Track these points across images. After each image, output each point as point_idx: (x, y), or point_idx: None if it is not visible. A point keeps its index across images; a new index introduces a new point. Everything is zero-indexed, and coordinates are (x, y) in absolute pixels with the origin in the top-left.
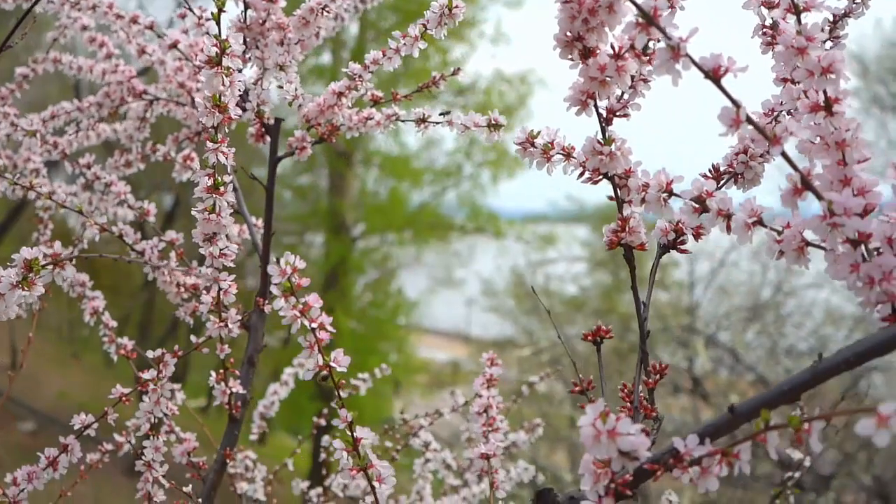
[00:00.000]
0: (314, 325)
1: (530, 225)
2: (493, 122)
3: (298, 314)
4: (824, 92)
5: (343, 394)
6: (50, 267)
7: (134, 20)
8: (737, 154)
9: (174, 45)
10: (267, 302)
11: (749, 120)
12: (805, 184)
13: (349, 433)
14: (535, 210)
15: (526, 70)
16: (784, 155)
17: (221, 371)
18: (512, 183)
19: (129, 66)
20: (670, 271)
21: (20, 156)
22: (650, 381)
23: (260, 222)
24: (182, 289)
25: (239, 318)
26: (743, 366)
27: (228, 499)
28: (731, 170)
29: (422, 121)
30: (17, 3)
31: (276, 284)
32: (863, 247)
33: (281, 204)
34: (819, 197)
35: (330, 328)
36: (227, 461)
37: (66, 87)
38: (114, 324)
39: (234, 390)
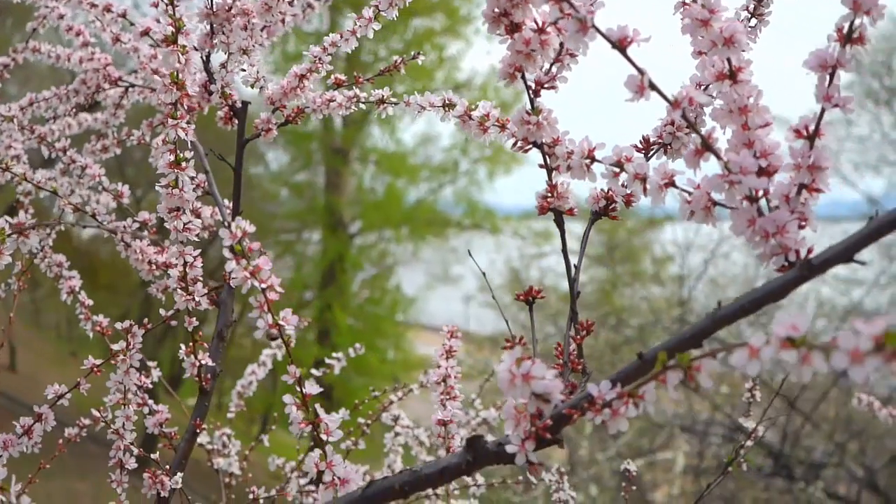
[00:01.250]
0: (264, 285)
1: (526, 221)
2: (448, 101)
3: (249, 275)
4: (728, 61)
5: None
6: (14, 235)
7: (107, 9)
8: (665, 125)
9: (146, 33)
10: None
11: (652, 86)
12: (706, 145)
13: (298, 389)
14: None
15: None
16: (685, 118)
17: (191, 344)
18: (508, 179)
19: (104, 53)
20: (667, 266)
21: (2, 143)
22: (578, 337)
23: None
24: (153, 266)
25: (205, 291)
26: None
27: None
28: (660, 140)
29: (381, 101)
30: None
31: (226, 247)
32: (764, 203)
33: (278, 201)
34: (718, 157)
35: (279, 289)
36: (198, 431)
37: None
38: (90, 302)
39: (203, 363)
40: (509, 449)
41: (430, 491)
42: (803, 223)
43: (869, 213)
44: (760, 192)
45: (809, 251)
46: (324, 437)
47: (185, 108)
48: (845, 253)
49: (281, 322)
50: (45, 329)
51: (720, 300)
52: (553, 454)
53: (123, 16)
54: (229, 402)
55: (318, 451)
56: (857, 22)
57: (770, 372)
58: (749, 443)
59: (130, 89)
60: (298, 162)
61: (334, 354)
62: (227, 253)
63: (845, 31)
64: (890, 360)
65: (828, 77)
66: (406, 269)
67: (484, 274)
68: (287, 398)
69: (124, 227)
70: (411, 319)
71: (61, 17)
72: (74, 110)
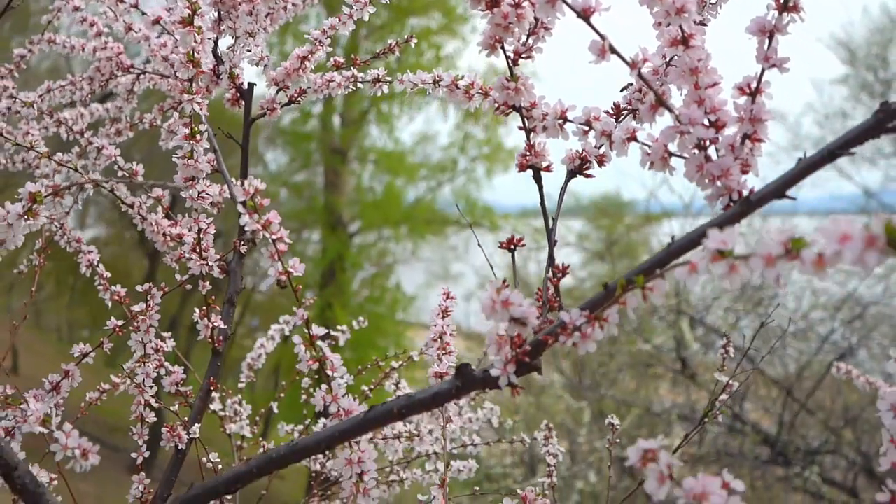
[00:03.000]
0: (275, 237)
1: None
2: (437, 78)
3: (261, 227)
4: (681, 28)
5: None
6: (51, 197)
7: (120, 0)
8: (634, 92)
9: (157, 21)
10: (243, 244)
11: (612, 49)
12: (659, 101)
13: (306, 330)
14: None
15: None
16: (641, 77)
17: (204, 308)
18: (507, 177)
19: (117, 43)
20: None
21: (20, 130)
22: (555, 279)
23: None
24: (168, 238)
25: (217, 257)
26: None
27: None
28: (629, 106)
29: (376, 80)
30: None
31: (241, 203)
32: (712, 151)
33: (277, 202)
34: (670, 111)
35: (287, 240)
36: (211, 389)
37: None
38: (108, 274)
39: (216, 325)
40: (493, 372)
41: (430, 449)
42: (746, 168)
43: (866, 205)
44: (708, 142)
45: (751, 192)
46: (330, 373)
47: (201, 83)
48: (777, 191)
49: (290, 269)
50: (46, 332)
51: (672, 237)
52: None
53: (135, 6)
54: (229, 407)
55: (324, 386)
56: None
57: (768, 361)
58: (724, 396)
59: (142, 76)
60: (297, 162)
61: (339, 326)
62: (241, 208)
63: (782, 1)
64: (793, 259)
65: (767, 40)
66: (406, 268)
67: (492, 267)
68: (296, 338)
69: (140, 202)
70: (411, 318)
71: (76, 8)
72: (89, 97)
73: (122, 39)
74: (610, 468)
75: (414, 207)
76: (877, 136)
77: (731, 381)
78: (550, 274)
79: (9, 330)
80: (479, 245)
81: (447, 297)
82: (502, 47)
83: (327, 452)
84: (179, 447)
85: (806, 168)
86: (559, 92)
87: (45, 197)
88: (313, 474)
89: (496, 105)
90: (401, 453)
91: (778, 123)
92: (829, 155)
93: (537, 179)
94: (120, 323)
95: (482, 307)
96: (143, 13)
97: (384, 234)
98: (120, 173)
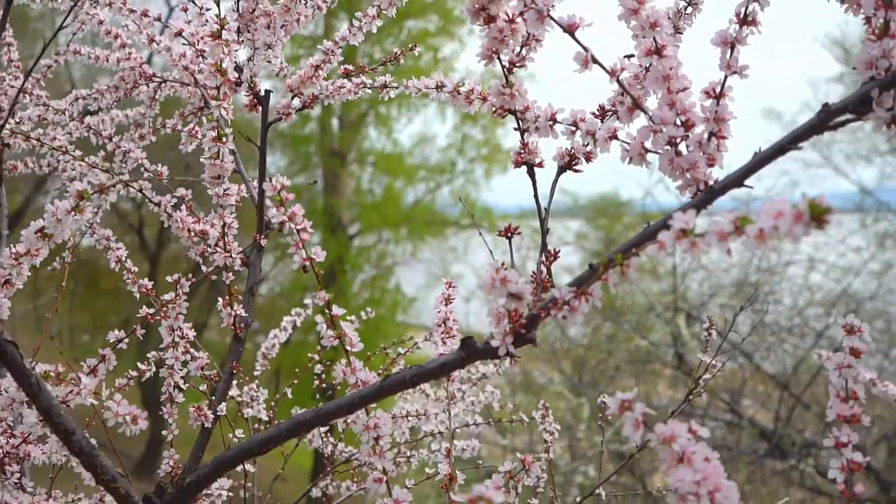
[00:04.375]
0: (299, 227)
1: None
2: (440, 83)
3: (287, 219)
4: (654, 40)
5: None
6: (97, 194)
7: (144, 14)
8: (616, 97)
9: (179, 34)
10: (264, 237)
11: (594, 59)
12: (636, 104)
13: (327, 311)
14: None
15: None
16: (619, 83)
17: (227, 297)
18: (505, 178)
19: (139, 53)
20: (664, 260)
21: (47, 136)
22: (547, 262)
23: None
24: (192, 234)
25: (241, 249)
26: (728, 342)
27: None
28: (612, 108)
29: (384, 86)
30: (44, 3)
31: (269, 197)
32: (683, 147)
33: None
34: (645, 112)
35: (310, 230)
36: (234, 372)
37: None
38: (135, 269)
39: (238, 314)
40: (493, 343)
41: (435, 429)
42: (711, 162)
43: (861, 203)
44: (679, 139)
45: (715, 182)
46: (348, 348)
47: (226, 90)
48: (736, 181)
49: (312, 255)
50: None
51: (648, 222)
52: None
53: (158, 19)
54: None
55: (343, 360)
56: (751, 8)
57: (764, 357)
58: (706, 375)
59: (163, 84)
60: (296, 165)
61: (348, 317)
62: (269, 202)
63: (742, 15)
64: (740, 234)
65: (729, 50)
66: (405, 270)
67: (506, 263)
68: (318, 318)
69: (166, 200)
70: (412, 319)
71: (101, 22)
72: (114, 104)
73: (142, 50)
74: (602, 442)
75: (413, 209)
76: (820, 132)
77: (713, 362)
78: (543, 258)
79: (41, 330)
80: (483, 241)
81: (450, 286)
82: (498, 57)
83: (335, 439)
84: (206, 425)
85: (760, 161)
86: (558, 93)
87: (92, 194)
88: (325, 456)
89: (493, 108)
90: (408, 435)
91: (775, 122)
92: (780, 149)
93: (531, 174)
94: (151, 311)
95: (483, 285)
96: (167, 26)
97: (384, 235)
98: (146, 175)
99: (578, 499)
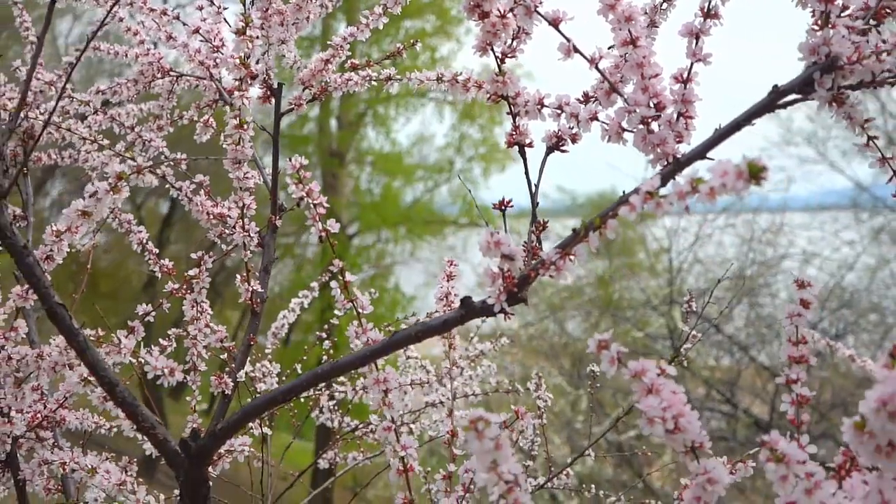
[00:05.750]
0: (316, 202)
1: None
2: (440, 75)
3: (305, 195)
4: (629, 32)
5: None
6: (134, 175)
7: (164, 12)
8: (598, 84)
9: (196, 31)
10: (278, 219)
11: (575, 49)
12: (612, 89)
13: (341, 277)
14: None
15: (513, 64)
16: (598, 70)
17: (245, 274)
18: (503, 176)
19: (157, 49)
20: (661, 258)
21: (72, 126)
22: (537, 231)
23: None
24: (210, 216)
25: (258, 230)
26: (723, 335)
27: None
28: (595, 95)
29: (388, 78)
30: (68, 2)
31: (289, 175)
32: (655, 126)
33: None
34: (620, 95)
35: (326, 205)
36: (251, 343)
37: None
38: (156, 251)
39: (254, 289)
40: (489, 301)
41: (437, 399)
42: (679, 139)
43: (857, 199)
44: (651, 119)
45: (682, 155)
46: (360, 310)
47: (249, 81)
48: (700, 153)
49: (328, 227)
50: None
51: (623, 191)
52: (553, 441)
53: (177, 18)
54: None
55: (355, 322)
56: (713, 3)
57: (758, 349)
58: (687, 345)
59: (180, 78)
60: None
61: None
62: (289, 180)
63: (705, 9)
64: (693, 193)
65: (694, 40)
66: (404, 269)
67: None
68: (333, 283)
69: (186, 185)
70: (411, 318)
71: (121, 19)
72: (134, 97)
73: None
74: (591, 408)
75: (412, 208)
76: (771, 111)
77: (693, 332)
78: (533, 227)
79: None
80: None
81: (451, 264)
82: (492, 49)
83: (342, 410)
84: (226, 392)
85: (720, 136)
86: (553, 89)
87: (129, 175)
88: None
89: (488, 95)
90: (410, 405)
91: (770, 118)
92: (736, 125)
93: (522, 153)
94: (177, 286)
95: (480, 247)
96: (185, 24)
97: (383, 235)
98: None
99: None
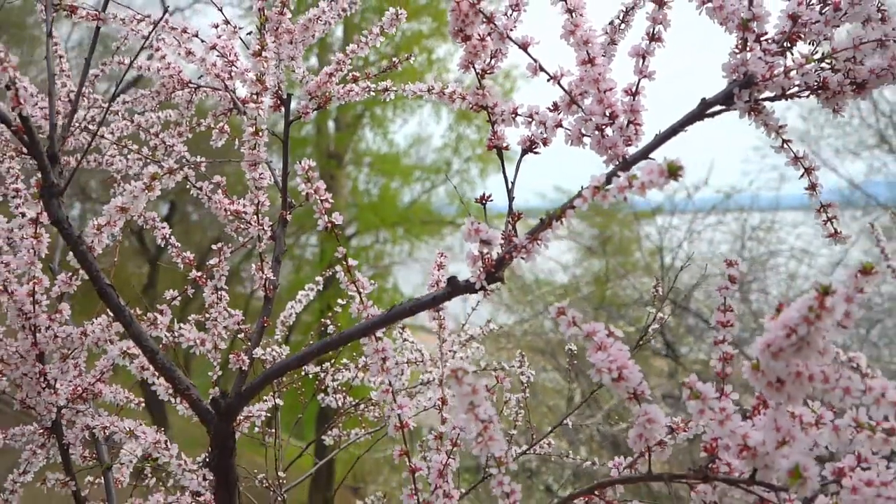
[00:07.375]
0: (322, 197)
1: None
2: (430, 87)
3: (313, 192)
4: (587, 52)
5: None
6: (167, 175)
7: (184, 30)
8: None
9: (213, 47)
10: (289, 213)
11: (541, 68)
12: (572, 100)
13: (345, 262)
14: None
15: (509, 66)
16: (560, 85)
17: (259, 263)
18: (500, 178)
19: (176, 64)
20: (657, 258)
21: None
22: (513, 219)
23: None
24: (227, 212)
25: (270, 223)
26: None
27: None
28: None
29: (386, 90)
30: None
31: (299, 175)
32: (609, 132)
33: (275, 207)
34: (579, 107)
35: (330, 200)
36: (265, 325)
37: None
38: (178, 244)
39: (268, 277)
40: (471, 279)
41: (430, 377)
42: (629, 142)
43: (850, 197)
44: (605, 126)
45: (629, 156)
46: (361, 290)
47: (263, 94)
48: (643, 155)
49: (333, 220)
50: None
51: (582, 187)
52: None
53: (196, 35)
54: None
55: (357, 299)
56: (656, 28)
57: (749, 344)
58: (655, 326)
59: (198, 89)
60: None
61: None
62: (299, 179)
63: (650, 34)
64: (630, 187)
65: (641, 60)
66: (402, 269)
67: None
68: (338, 267)
69: (206, 185)
70: (409, 319)
71: (145, 37)
72: (158, 105)
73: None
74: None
75: (409, 209)
76: (700, 119)
77: (660, 313)
78: (510, 218)
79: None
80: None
81: (441, 255)
82: (473, 66)
83: (344, 388)
84: (243, 368)
85: (659, 140)
86: (550, 91)
87: (162, 175)
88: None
89: (471, 105)
90: (407, 378)
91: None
92: (672, 131)
93: (500, 155)
94: (200, 274)
95: (462, 234)
96: (203, 40)
97: (381, 236)
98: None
99: (572, 480)
